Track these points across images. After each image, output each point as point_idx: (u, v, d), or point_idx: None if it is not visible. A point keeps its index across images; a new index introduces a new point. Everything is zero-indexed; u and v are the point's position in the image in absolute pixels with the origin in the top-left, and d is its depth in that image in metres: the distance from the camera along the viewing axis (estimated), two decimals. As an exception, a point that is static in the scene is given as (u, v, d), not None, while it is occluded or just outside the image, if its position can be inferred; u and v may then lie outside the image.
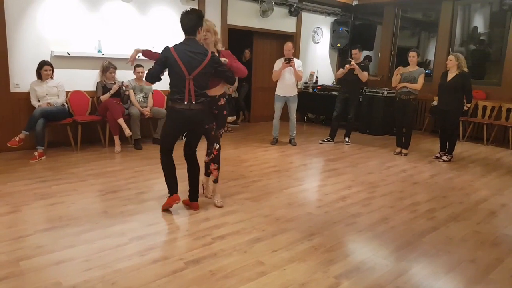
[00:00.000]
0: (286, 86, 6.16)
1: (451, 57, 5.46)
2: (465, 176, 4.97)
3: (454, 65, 5.38)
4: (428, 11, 9.03)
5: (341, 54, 9.36)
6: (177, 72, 3.10)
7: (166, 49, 3.12)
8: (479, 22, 8.25)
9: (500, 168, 5.47)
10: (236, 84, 7.37)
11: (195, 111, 3.17)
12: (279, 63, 6.09)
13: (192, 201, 3.47)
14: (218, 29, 7.12)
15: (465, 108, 5.56)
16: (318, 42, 8.98)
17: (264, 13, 7.51)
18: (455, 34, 7.87)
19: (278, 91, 6.23)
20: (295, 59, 6.01)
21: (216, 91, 3.43)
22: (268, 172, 4.78)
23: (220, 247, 2.79)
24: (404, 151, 5.97)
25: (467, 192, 4.34)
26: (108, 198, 3.69)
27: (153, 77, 3.18)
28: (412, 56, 5.64)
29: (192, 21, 3.10)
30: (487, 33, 8.18)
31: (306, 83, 8.78)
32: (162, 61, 3.12)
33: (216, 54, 3.34)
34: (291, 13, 7.96)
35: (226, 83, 3.48)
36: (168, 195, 3.39)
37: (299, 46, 8.53)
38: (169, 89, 3.23)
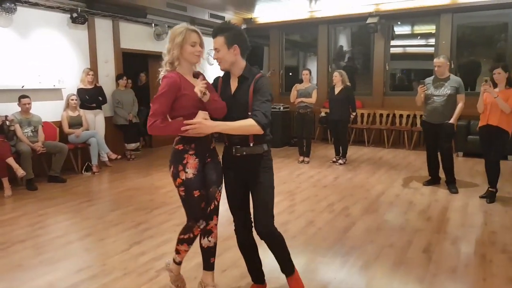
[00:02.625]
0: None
1: (335, 73, 6.23)
2: (361, 175, 5.67)
3: (339, 80, 6.15)
4: (305, 33, 10.07)
5: (233, 75, 9.75)
6: None
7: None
8: (346, 41, 9.55)
9: (385, 165, 6.38)
10: (136, 108, 7.14)
11: None
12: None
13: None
14: (111, 53, 6.99)
15: (352, 116, 6.38)
16: (212, 64, 9.21)
17: (158, 36, 7.44)
18: (332, 52, 8.97)
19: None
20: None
21: None
22: (189, 195, 4.72)
23: (169, 278, 2.67)
24: (306, 159, 6.51)
25: (368, 188, 4.96)
26: (17, 250, 3.19)
27: None
28: (305, 74, 6.28)
29: None
30: (352, 50, 9.51)
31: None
32: None
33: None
34: (184, 36, 8.05)
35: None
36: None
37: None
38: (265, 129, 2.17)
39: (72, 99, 6.01)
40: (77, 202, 4.52)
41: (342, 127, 6.36)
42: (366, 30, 7.77)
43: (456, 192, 4.61)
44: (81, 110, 6.15)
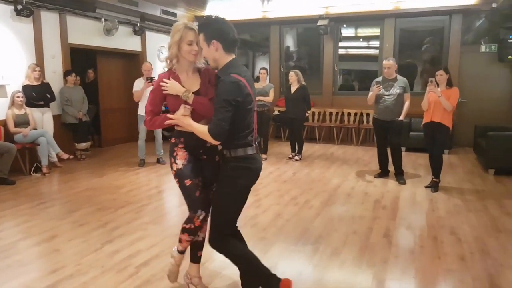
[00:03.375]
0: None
1: (291, 73, 6.47)
2: (317, 170, 5.98)
3: (295, 80, 6.40)
4: (255, 33, 10.27)
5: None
6: (250, 109, 2.12)
7: (238, 81, 2.00)
8: (293, 42, 9.91)
9: (337, 160, 6.76)
10: (86, 106, 6.85)
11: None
12: (139, 83, 5.96)
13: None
14: (58, 48, 6.62)
15: (307, 114, 6.68)
16: (163, 61, 9.07)
17: (108, 31, 7.19)
18: (284, 52, 9.26)
19: (141, 111, 6.09)
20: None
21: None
22: (153, 194, 4.68)
23: (150, 273, 2.70)
24: (264, 156, 6.70)
25: (325, 182, 5.25)
26: (-24, 256, 3.00)
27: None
28: (263, 73, 6.45)
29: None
30: (298, 51, 9.88)
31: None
32: (239, 102, 2.01)
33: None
34: (135, 32, 7.86)
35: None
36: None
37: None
38: (223, 139, 2.05)
39: (18, 97, 5.64)
40: (32, 205, 4.29)
41: (298, 125, 6.64)
42: (313, 31, 8.18)
43: (404, 183, 5.06)
44: (28, 108, 5.79)
